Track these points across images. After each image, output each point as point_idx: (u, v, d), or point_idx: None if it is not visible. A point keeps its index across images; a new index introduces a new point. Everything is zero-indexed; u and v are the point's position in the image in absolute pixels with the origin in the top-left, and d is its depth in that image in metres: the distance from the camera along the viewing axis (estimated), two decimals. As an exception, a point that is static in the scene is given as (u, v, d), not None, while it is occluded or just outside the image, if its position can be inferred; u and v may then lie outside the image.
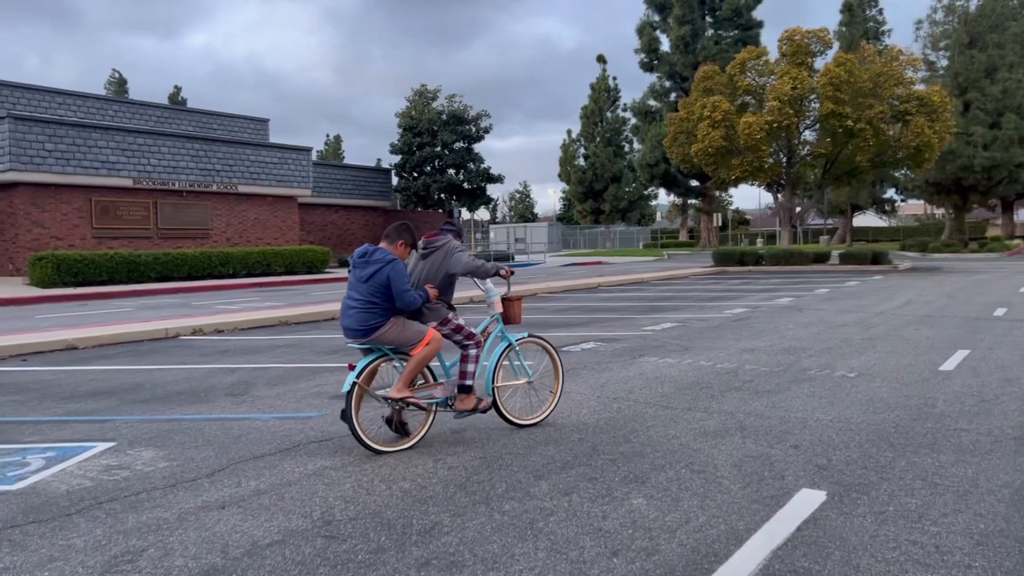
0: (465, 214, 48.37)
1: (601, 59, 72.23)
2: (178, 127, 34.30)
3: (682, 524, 3.99)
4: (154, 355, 10.36)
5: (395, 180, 45.88)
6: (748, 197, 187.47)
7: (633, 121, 67.72)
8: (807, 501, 4.31)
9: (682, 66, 57.36)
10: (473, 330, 5.71)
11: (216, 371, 8.96)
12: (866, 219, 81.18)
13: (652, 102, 63.30)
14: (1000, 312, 13.80)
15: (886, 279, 23.97)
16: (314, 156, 74.61)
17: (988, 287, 19.73)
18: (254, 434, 5.96)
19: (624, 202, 71.24)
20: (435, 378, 5.65)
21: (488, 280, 5.86)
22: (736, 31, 57.54)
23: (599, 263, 40.97)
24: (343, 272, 30.37)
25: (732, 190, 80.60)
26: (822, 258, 31.60)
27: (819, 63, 33.02)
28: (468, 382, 5.62)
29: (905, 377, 7.89)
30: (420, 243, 5.73)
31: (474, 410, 5.67)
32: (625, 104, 69.22)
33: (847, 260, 30.96)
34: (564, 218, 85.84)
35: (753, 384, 7.65)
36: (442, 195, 44.22)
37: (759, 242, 62.51)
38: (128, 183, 27.87)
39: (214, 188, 30.69)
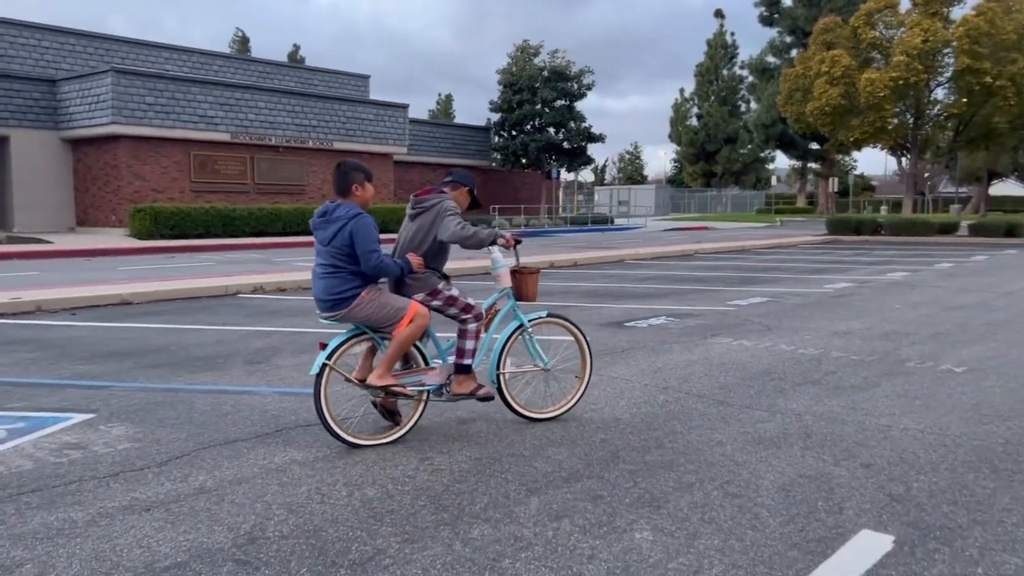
0: (565, 175, 47.13)
1: (719, 14, 68.94)
2: (279, 83, 34.53)
3: (688, 575, 3.07)
4: (201, 313, 10.02)
5: (495, 139, 45.08)
6: (874, 162, 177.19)
7: (750, 79, 64.40)
8: (865, 550, 3.30)
9: (804, 20, 53.72)
10: (471, 301, 4.84)
11: (251, 334, 8.48)
12: (1005, 187, 74.77)
13: (771, 59, 59.89)
14: None
15: (1021, 254, 21.57)
16: (425, 115, 74.87)
17: None
18: (244, 412, 5.35)
19: (738, 164, 68.16)
20: (427, 361, 4.84)
21: (495, 249, 4.98)
22: (867, -19, 53.33)
23: (704, 228, 39.16)
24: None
25: (856, 154, 76.00)
26: (949, 229, 28.89)
27: (956, 13, 29.98)
28: (467, 361, 4.79)
29: (1026, 376, 6.56)
30: (410, 202, 4.91)
31: (471, 395, 4.83)
32: (743, 61, 65.96)
33: (977, 232, 28.19)
34: (674, 181, 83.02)
35: (835, 376, 6.51)
36: (541, 154, 43.03)
37: (883, 210, 58.45)
38: (226, 137, 28.18)
39: (310, 144, 30.72)
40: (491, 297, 5.07)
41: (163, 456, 4.43)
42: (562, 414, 5.24)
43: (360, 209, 4.51)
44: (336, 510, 3.68)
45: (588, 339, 5.48)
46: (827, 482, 4.08)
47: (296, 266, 16.35)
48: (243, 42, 73.11)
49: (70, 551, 3.23)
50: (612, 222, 42.44)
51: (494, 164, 45.43)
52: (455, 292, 4.80)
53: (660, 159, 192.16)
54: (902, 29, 30.32)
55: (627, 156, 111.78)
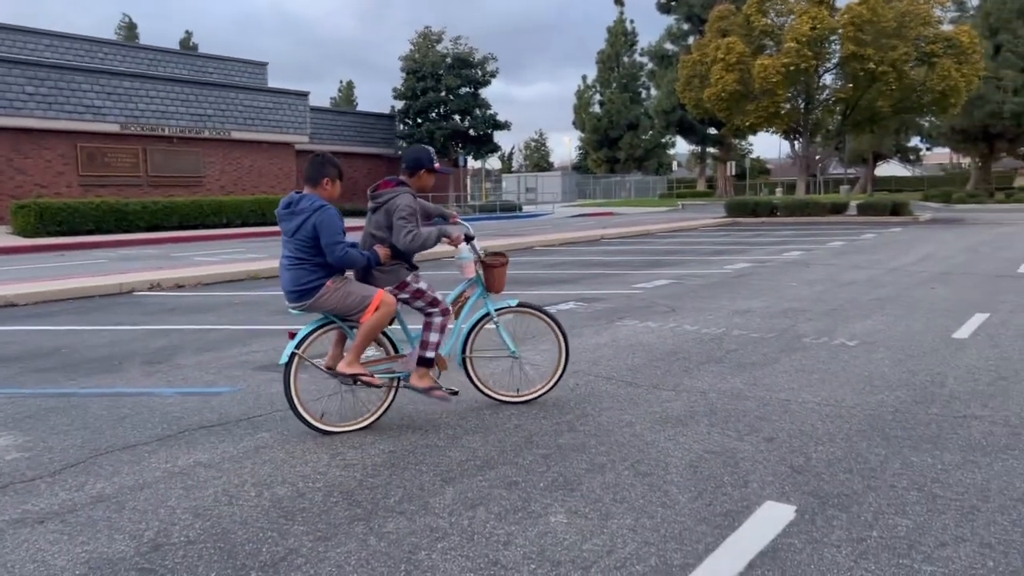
0: (473, 162, 47.06)
1: (619, 1, 69.86)
2: (171, 71, 33.20)
3: (602, 555, 3.12)
4: (95, 313, 9.57)
5: (400, 126, 44.61)
6: (769, 146, 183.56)
7: (650, 66, 65.60)
8: (769, 520, 3.42)
9: (700, 7, 55.08)
10: (438, 296, 4.86)
11: (149, 333, 8.15)
12: (890, 168, 78.92)
13: (669, 45, 61.16)
14: (1025, 269, 12.72)
15: (905, 231, 22.79)
16: (327, 102, 73.22)
17: (1013, 241, 18.53)
18: (143, 414, 5.14)
19: (640, 150, 69.42)
20: (396, 349, 4.84)
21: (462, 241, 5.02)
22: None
23: (609, 214, 39.78)
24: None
25: (752, 138, 78.66)
26: (839, 209, 30.25)
27: (841, 2, 31.31)
28: (429, 354, 4.77)
29: (912, 347, 6.93)
30: (369, 194, 4.88)
31: (426, 392, 4.81)
32: (642, 48, 67.12)
33: (865, 211, 29.62)
34: (580, 167, 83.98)
35: (737, 354, 6.73)
36: (448, 142, 42.82)
37: (778, 192, 60.68)
38: (115, 128, 26.92)
39: (206, 134, 29.66)
40: (459, 287, 5.10)
41: (56, 465, 4.22)
42: (535, 398, 5.31)
43: (324, 201, 4.53)
44: (245, 511, 3.58)
45: (562, 325, 5.46)
46: (732, 457, 4.21)
47: (195, 261, 15.80)
48: (130, 28, 69.92)
49: (-45, 571, 3.03)
50: (520, 209, 42.66)
51: (400, 152, 44.97)
52: (423, 285, 4.82)
53: (565, 146, 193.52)
54: (792, 16, 31.47)
55: (533, 143, 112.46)
